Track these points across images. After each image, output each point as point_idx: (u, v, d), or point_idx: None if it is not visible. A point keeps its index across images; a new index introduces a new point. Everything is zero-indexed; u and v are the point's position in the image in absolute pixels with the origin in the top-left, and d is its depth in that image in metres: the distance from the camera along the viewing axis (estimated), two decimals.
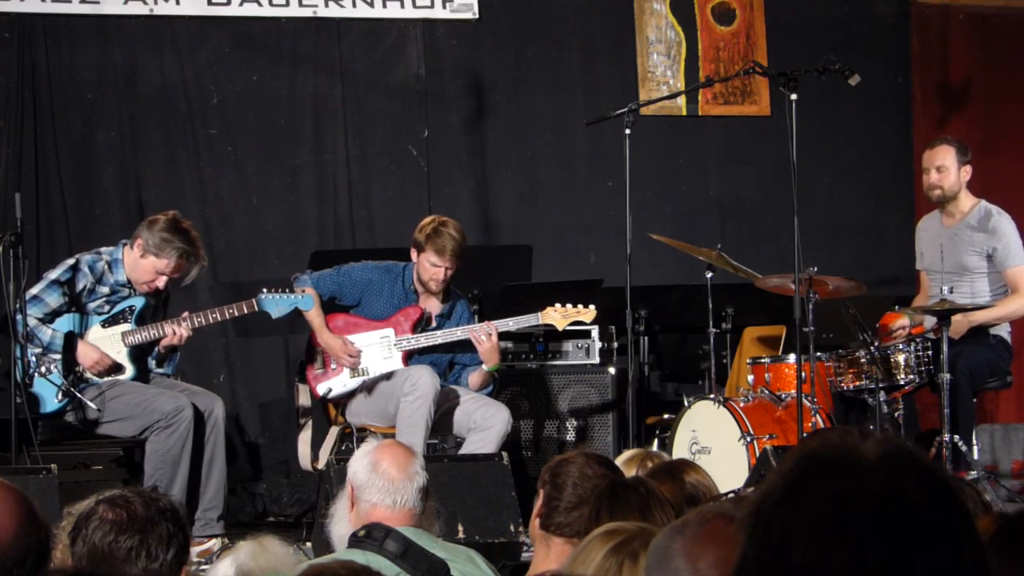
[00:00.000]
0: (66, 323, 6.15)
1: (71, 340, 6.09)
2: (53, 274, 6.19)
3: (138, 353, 6.27)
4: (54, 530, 2.94)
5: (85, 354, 6.12)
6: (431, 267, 6.51)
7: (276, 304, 6.29)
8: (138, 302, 6.27)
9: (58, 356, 6.05)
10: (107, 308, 6.22)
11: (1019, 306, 6.92)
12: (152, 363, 6.38)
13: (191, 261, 6.24)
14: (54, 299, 6.12)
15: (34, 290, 6.09)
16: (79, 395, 6.03)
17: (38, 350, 6.03)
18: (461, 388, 6.64)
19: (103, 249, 6.31)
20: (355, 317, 6.69)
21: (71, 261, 6.25)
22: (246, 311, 6.32)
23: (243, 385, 8.04)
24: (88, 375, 6.16)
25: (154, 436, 6.04)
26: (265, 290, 6.32)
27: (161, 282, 6.23)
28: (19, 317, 5.78)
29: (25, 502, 2.46)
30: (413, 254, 6.60)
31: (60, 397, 6.04)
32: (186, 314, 6.26)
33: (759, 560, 1.46)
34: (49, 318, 6.10)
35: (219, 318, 6.31)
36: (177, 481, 6.04)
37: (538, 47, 8.60)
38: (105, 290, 6.21)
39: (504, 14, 8.53)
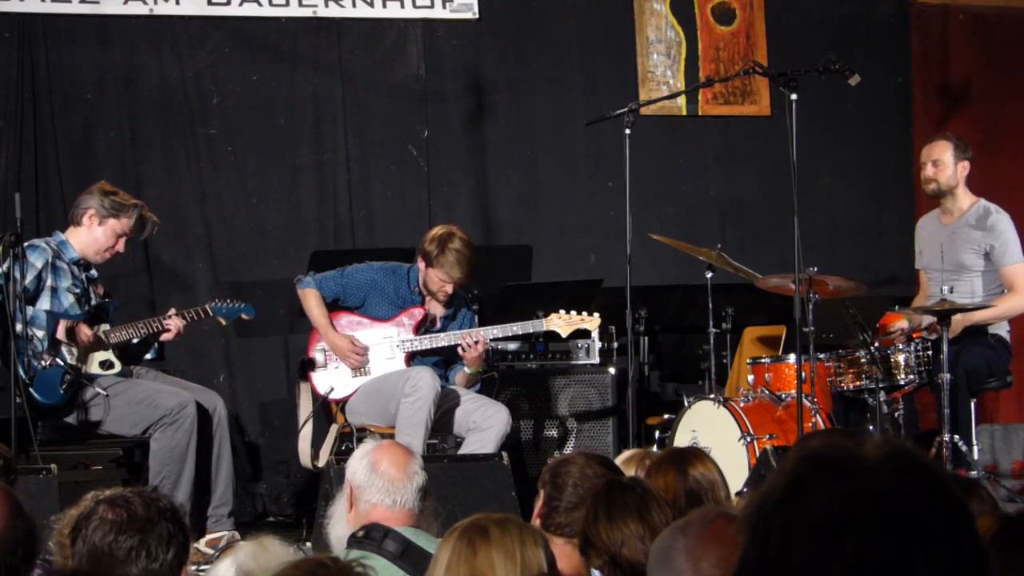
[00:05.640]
0: (44, 302, 6.14)
1: (52, 318, 6.06)
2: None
3: (121, 349, 6.31)
4: (53, 529, 2.96)
5: (80, 330, 6.10)
6: (439, 281, 6.53)
7: (224, 312, 6.54)
8: (111, 305, 6.42)
9: (42, 332, 6.02)
10: (76, 290, 6.21)
11: (1015, 304, 6.92)
12: (148, 356, 6.51)
13: (144, 215, 6.38)
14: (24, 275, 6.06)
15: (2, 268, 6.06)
16: (83, 380, 6.02)
17: (45, 344, 6.01)
18: (461, 388, 6.64)
19: (38, 239, 6.31)
20: (358, 316, 6.70)
21: (28, 243, 6.15)
22: (203, 317, 6.49)
23: (243, 385, 8.04)
24: (84, 367, 6.15)
25: (159, 433, 6.05)
26: (217, 301, 6.58)
27: (121, 245, 6.35)
28: (19, 316, 5.78)
29: (11, 496, 2.62)
30: (420, 263, 6.60)
31: (64, 388, 6.02)
32: (173, 310, 6.39)
33: (760, 560, 1.46)
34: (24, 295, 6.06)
35: (181, 321, 6.39)
36: (184, 477, 6.04)
37: (538, 47, 8.60)
38: (65, 266, 6.21)
39: (504, 14, 8.53)
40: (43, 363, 5.98)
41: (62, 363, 6.02)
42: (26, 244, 6.17)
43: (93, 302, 6.35)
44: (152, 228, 6.51)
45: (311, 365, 6.71)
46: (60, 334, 6.04)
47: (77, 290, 6.23)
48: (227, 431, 6.32)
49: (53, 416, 6.12)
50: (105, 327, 6.27)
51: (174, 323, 6.33)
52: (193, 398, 6.14)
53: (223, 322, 6.63)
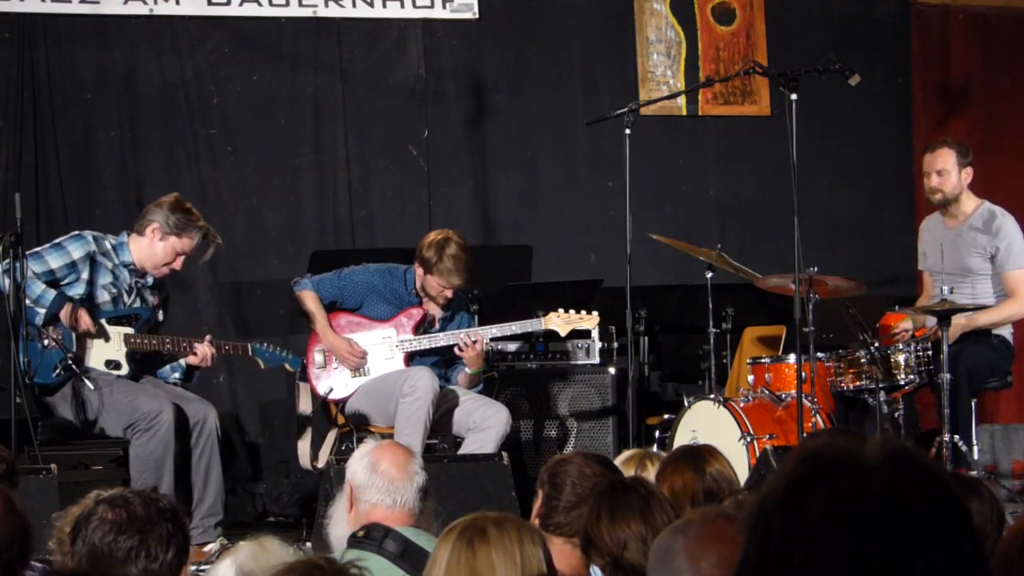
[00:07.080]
0: (75, 290, 6.12)
1: (62, 302, 6.03)
2: (61, 240, 6.17)
3: (136, 355, 6.26)
4: (53, 529, 2.96)
5: (80, 315, 6.06)
6: (438, 287, 6.54)
7: (267, 357, 6.40)
8: (144, 312, 6.29)
9: (43, 311, 5.98)
10: (113, 290, 6.20)
11: (1016, 311, 6.90)
12: (176, 375, 6.37)
13: (209, 238, 6.32)
14: (55, 259, 6.05)
15: (37, 248, 6.09)
16: (76, 369, 5.98)
17: (42, 320, 5.98)
18: (460, 388, 6.65)
19: (88, 231, 6.31)
20: (357, 316, 6.71)
21: (76, 232, 6.23)
22: (240, 354, 6.43)
23: (243, 385, 8.03)
24: (86, 363, 6.12)
25: (136, 439, 5.95)
26: (264, 344, 6.45)
27: (179, 263, 6.28)
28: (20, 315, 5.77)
29: (4, 494, 2.68)
30: (418, 269, 6.60)
31: (58, 372, 6.00)
32: (208, 337, 6.31)
33: (760, 560, 1.46)
34: (45, 277, 6.03)
35: (216, 353, 6.35)
36: (162, 486, 5.89)
37: (538, 47, 8.60)
38: (109, 265, 6.19)
39: (504, 14, 8.53)
40: (45, 341, 5.96)
41: (66, 349, 5.99)
42: (73, 233, 6.23)
43: (136, 305, 6.30)
44: (214, 251, 6.43)
45: (311, 365, 6.70)
46: (63, 315, 6.01)
47: (114, 291, 6.21)
48: (217, 443, 6.15)
49: (44, 395, 6.07)
50: (128, 331, 6.21)
51: (203, 349, 6.22)
52: (171, 406, 6.00)
53: (262, 365, 6.42)
